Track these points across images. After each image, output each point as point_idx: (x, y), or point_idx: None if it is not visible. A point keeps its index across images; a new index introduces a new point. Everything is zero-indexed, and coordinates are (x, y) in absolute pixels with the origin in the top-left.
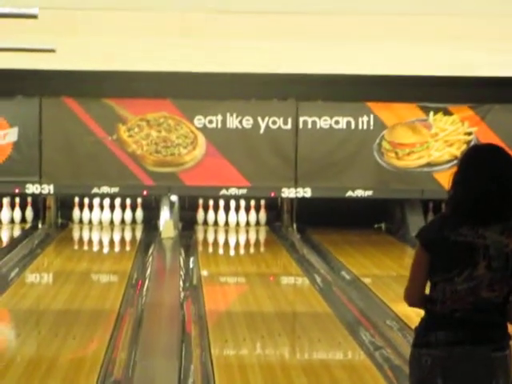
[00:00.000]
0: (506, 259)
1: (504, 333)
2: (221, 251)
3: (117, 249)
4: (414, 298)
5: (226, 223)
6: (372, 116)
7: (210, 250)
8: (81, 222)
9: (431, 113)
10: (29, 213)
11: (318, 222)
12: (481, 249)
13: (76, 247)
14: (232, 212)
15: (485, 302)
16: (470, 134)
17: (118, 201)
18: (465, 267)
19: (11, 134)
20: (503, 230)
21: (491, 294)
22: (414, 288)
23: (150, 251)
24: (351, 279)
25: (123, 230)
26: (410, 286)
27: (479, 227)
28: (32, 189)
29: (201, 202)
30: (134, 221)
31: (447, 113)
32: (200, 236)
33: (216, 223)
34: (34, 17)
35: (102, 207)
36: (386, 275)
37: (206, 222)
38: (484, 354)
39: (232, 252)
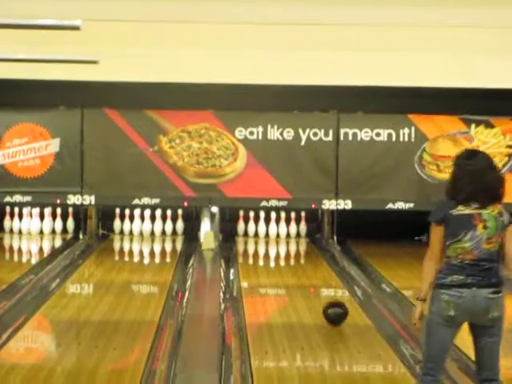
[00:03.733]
0: (494, 220)
1: (499, 280)
2: (261, 263)
3: (157, 260)
4: (434, 257)
5: (267, 235)
6: (413, 128)
7: (251, 261)
8: (121, 232)
9: (473, 125)
10: (70, 223)
11: (358, 234)
12: (476, 216)
13: (117, 258)
14: (272, 224)
15: (485, 252)
16: (511, 146)
17: (158, 212)
18: (468, 230)
19: (53, 145)
20: (487, 205)
21: (489, 245)
22: (433, 251)
23: (191, 262)
24: (392, 292)
25: (164, 241)
26: (431, 250)
27: (471, 205)
28: (73, 199)
29: (241, 213)
30: (174, 232)
31: (489, 125)
32: (240, 247)
33: (256, 235)
34: (76, 28)
35: (142, 218)
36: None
37: (246, 234)
38: (485, 295)
39: (272, 264)
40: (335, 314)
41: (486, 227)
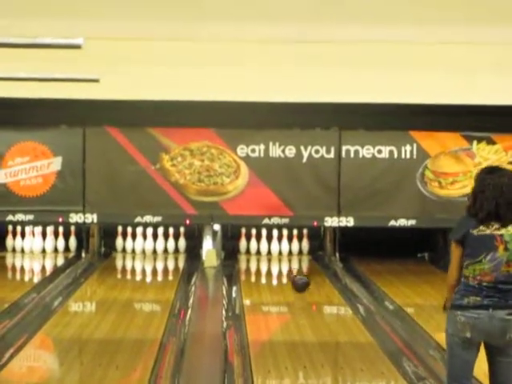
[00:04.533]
0: None
1: None
2: (263, 280)
3: (159, 278)
4: (454, 278)
5: (269, 252)
6: (415, 145)
7: (253, 279)
8: (124, 250)
9: (474, 142)
10: (72, 242)
11: (360, 252)
12: (498, 237)
13: (119, 276)
14: (274, 241)
15: (504, 274)
16: None
17: (160, 230)
18: (489, 251)
19: (55, 164)
20: (509, 223)
21: (509, 267)
22: (454, 272)
23: (193, 280)
24: (394, 309)
25: (166, 259)
26: (451, 271)
27: (492, 224)
28: (75, 218)
29: (243, 231)
30: (176, 250)
31: (490, 142)
32: (242, 265)
33: (258, 252)
34: (78, 47)
35: (144, 236)
36: (429, 305)
37: (248, 251)
38: (502, 316)
39: (274, 281)
40: (302, 283)
41: (507, 249)
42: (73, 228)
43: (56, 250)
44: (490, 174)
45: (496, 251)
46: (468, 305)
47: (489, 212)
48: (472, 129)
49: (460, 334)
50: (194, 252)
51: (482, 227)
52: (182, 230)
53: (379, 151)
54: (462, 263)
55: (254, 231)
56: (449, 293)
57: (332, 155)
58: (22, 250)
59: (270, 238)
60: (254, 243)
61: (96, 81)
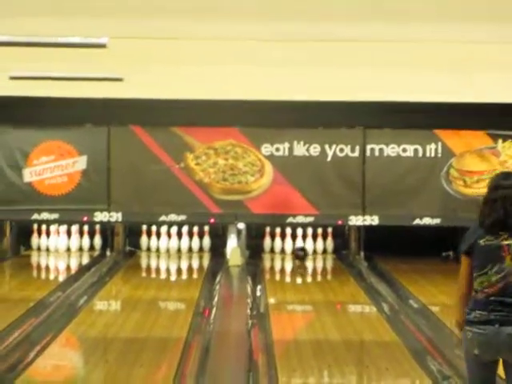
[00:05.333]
0: None
1: None
2: (288, 279)
3: (184, 276)
4: (462, 292)
5: (293, 251)
6: (440, 144)
7: (277, 277)
8: (148, 249)
9: (500, 140)
10: (97, 240)
11: (385, 250)
12: (504, 247)
13: (144, 275)
14: (299, 240)
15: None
16: None
17: (185, 229)
18: (495, 262)
19: (80, 162)
20: None
21: None
22: (461, 285)
23: (218, 279)
24: (419, 307)
25: (190, 257)
26: (460, 284)
27: (500, 234)
28: (100, 217)
29: (268, 229)
30: (201, 248)
31: None
32: (267, 264)
33: (283, 251)
34: (102, 46)
35: (169, 235)
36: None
37: (272, 250)
38: (509, 332)
39: (299, 280)
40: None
41: None
42: (98, 227)
43: (81, 249)
44: (504, 180)
45: (503, 262)
46: (474, 320)
47: (496, 220)
48: (497, 127)
49: (469, 350)
50: (218, 251)
51: (488, 237)
52: (206, 228)
53: (404, 150)
54: (471, 275)
55: (278, 230)
56: (456, 307)
57: (357, 154)
58: (47, 249)
59: (294, 236)
60: (278, 242)
61: (120, 80)
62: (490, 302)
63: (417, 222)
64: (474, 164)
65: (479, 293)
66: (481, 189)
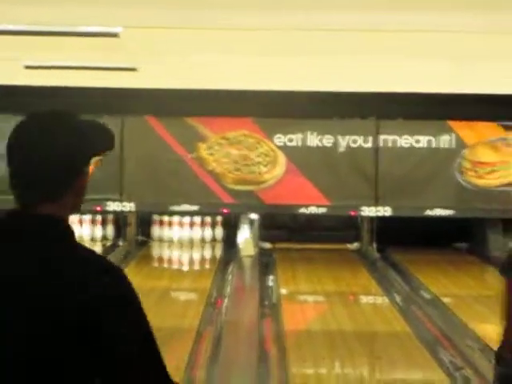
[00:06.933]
0: None
1: None
2: (300, 269)
3: (196, 267)
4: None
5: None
6: (453, 135)
7: (289, 268)
8: (161, 239)
9: None
10: (109, 230)
11: (397, 241)
12: None
13: (156, 265)
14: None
15: None
16: None
17: (197, 219)
18: None
19: None
20: None
21: None
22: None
23: (230, 269)
24: (431, 298)
25: (203, 247)
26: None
27: None
28: (113, 206)
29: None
30: (213, 239)
31: None
32: (279, 254)
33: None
34: (116, 36)
35: (181, 225)
36: (467, 295)
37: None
38: None
39: (311, 271)
40: None
41: None
42: (110, 216)
43: (93, 239)
44: None
45: None
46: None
47: None
48: (510, 118)
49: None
50: (230, 241)
51: None
52: (219, 218)
53: (417, 141)
54: None
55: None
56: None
57: (370, 145)
58: None
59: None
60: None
61: (133, 69)
62: None
63: (429, 213)
64: (487, 155)
65: None
66: (494, 180)
